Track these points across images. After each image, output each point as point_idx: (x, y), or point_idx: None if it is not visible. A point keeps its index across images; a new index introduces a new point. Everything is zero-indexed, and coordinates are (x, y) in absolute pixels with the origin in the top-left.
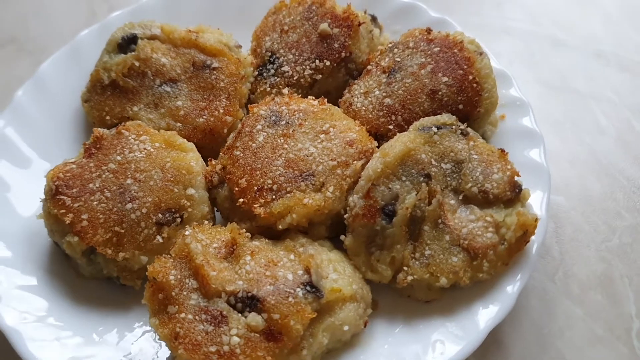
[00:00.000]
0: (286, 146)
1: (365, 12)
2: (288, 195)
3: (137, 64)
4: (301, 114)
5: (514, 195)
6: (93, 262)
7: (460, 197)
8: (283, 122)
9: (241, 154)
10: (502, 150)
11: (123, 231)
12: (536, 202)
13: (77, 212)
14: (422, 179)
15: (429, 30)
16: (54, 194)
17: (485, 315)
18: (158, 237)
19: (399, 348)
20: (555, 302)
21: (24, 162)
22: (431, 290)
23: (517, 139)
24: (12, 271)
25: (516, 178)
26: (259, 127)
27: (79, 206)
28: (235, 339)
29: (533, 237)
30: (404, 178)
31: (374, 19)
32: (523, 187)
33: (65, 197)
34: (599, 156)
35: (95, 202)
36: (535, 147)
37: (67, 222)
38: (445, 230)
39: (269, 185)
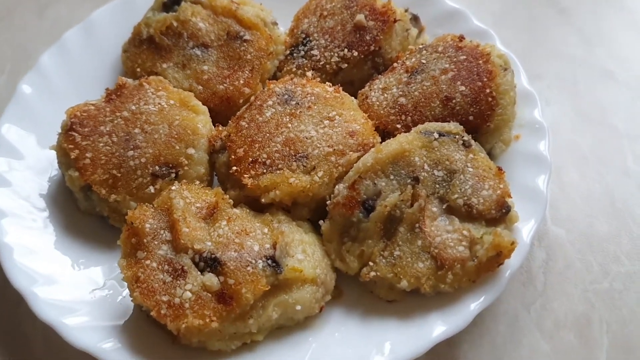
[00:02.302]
0: (290, 125)
1: (406, 11)
2: (278, 172)
3: (175, 24)
4: (313, 97)
5: (499, 215)
6: (89, 199)
7: (444, 207)
8: (293, 102)
9: (246, 125)
10: (500, 169)
11: (119, 175)
12: (526, 228)
13: (83, 150)
14: (409, 181)
15: (461, 38)
16: (68, 129)
17: (439, 327)
18: (151, 187)
19: (349, 339)
20: (524, 332)
21: (59, 98)
22: (393, 291)
23: (526, 162)
24: (23, 194)
25: (507, 199)
26: (270, 102)
27: (86, 144)
28: (188, 294)
29: (508, 261)
30: (392, 177)
31: (415, 18)
32: (512, 210)
33: (75, 134)
34: (616, 198)
35: (101, 144)
36: (541, 173)
37: (72, 157)
38: (419, 235)
39: (263, 159)
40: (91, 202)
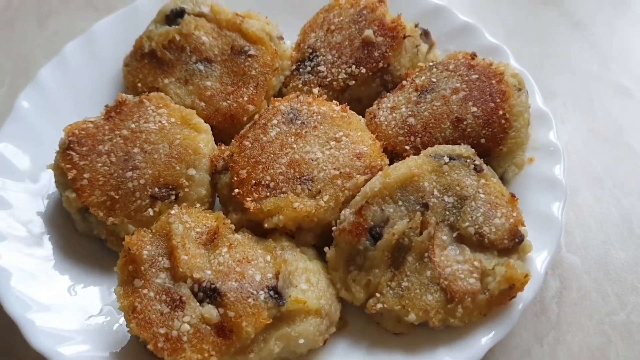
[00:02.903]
0: (295, 146)
1: (416, 26)
2: (282, 195)
3: (178, 37)
4: (319, 117)
5: (512, 244)
6: (87, 221)
7: (455, 235)
8: (299, 122)
9: (249, 145)
10: (513, 196)
11: (117, 197)
12: (539, 257)
13: (81, 170)
14: (418, 207)
15: (473, 56)
16: (65, 147)
17: None
18: (150, 210)
19: None
20: None
21: (58, 114)
22: (400, 323)
23: (539, 186)
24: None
25: (520, 228)
26: (275, 121)
27: (84, 165)
28: (186, 327)
29: (521, 294)
30: (400, 203)
31: (425, 33)
32: (525, 239)
33: (73, 153)
34: (634, 223)
35: (99, 164)
36: (556, 200)
37: (69, 178)
38: (428, 265)
39: (267, 182)
40: (89, 224)
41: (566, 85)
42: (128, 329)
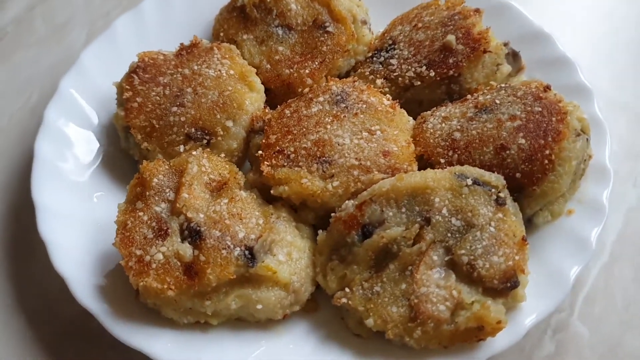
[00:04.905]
0: (328, 127)
1: (505, 45)
2: (296, 168)
3: None
4: (364, 106)
5: (501, 287)
6: (127, 139)
7: (447, 259)
8: (343, 105)
9: (289, 114)
10: (524, 239)
11: (157, 126)
12: (531, 312)
13: (136, 93)
14: (419, 219)
15: (546, 88)
16: (131, 70)
17: None
18: (181, 146)
19: (298, 357)
20: None
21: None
22: (361, 326)
23: (566, 242)
24: None
25: (520, 275)
26: (321, 99)
27: (141, 89)
28: (159, 256)
29: (493, 340)
30: (403, 210)
31: (514, 55)
32: (520, 287)
33: (136, 77)
34: None
35: (153, 93)
36: (576, 263)
37: (124, 97)
38: (407, 278)
39: (289, 152)
40: (129, 143)
41: None
42: (113, 242)
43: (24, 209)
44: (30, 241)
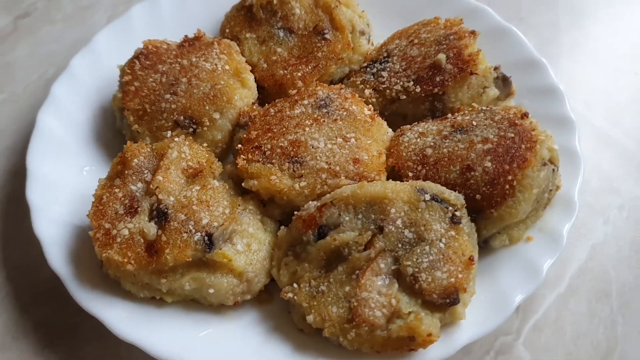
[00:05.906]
0: (307, 129)
1: (495, 69)
2: (269, 165)
3: (275, 1)
4: (344, 113)
5: (440, 302)
6: (122, 120)
7: (393, 268)
8: (325, 110)
9: (273, 113)
10: (471, 259)
11: (149, 110)
12: (466, 331)
13: (135, 78)
14: (373, 227)
15: (523, 115)
16: (135, 55)
17: None
18: (169, 132)
19: (243, 344)
20: None
21: None
22: (304, 321)
23: (518, 269)
24: None
25: (461, 293)
26: (306, 102)
27: (140, 74)
28: (125, 231)
29: (424, 352)
30: (360, 216)
31: (504, 79)
32: (458, 305)
33: (137, 62)
34: (612, 355)
35: (150, 79)
36: (521, 292)
37: (123, 80)
38: (352, 282)
39: (266, 149)
40: (122, 124)
41: None
42: (87, 214)
43: (21, 173)
44: (25, 203)
